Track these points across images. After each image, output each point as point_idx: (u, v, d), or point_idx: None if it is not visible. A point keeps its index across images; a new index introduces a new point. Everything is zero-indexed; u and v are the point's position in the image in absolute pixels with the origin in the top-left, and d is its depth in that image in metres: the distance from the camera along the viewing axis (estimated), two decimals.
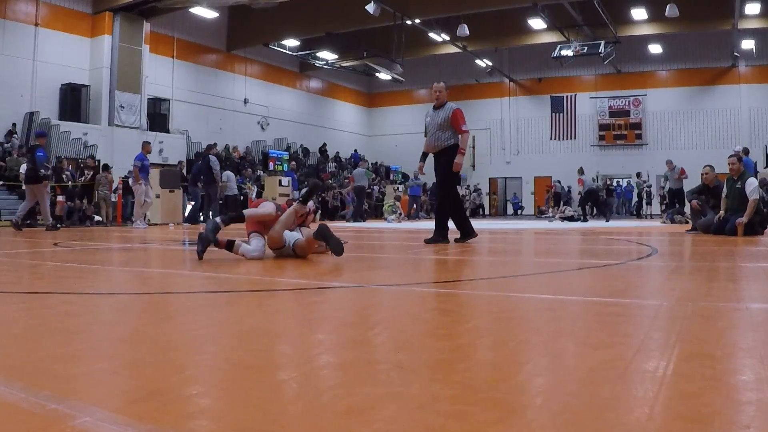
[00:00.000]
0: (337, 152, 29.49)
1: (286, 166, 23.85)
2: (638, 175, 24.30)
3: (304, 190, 4.79)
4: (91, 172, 15.06)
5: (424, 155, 6.63)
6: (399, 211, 18.05)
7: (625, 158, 27.52)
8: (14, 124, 16.44)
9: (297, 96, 28.07)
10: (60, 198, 13.73)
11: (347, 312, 2.40)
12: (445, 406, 1.13)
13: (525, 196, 29.75)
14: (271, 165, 23.61)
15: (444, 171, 6.23)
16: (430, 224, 14.78)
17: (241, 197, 18.35)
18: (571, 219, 17.17)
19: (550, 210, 21.65)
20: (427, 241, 6.31)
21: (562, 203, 22.50)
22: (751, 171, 11.64)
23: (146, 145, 13.15)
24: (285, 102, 27.06)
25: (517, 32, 24.29)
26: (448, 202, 6.41)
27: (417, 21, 21.76)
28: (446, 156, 6.21)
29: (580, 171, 17.19)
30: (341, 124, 31.15)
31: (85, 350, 1.65)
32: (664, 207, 17.74)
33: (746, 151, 14.29)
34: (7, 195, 14.72)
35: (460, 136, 6.21)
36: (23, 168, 13.19)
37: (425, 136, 6.44)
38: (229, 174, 16.69)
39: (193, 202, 15.34)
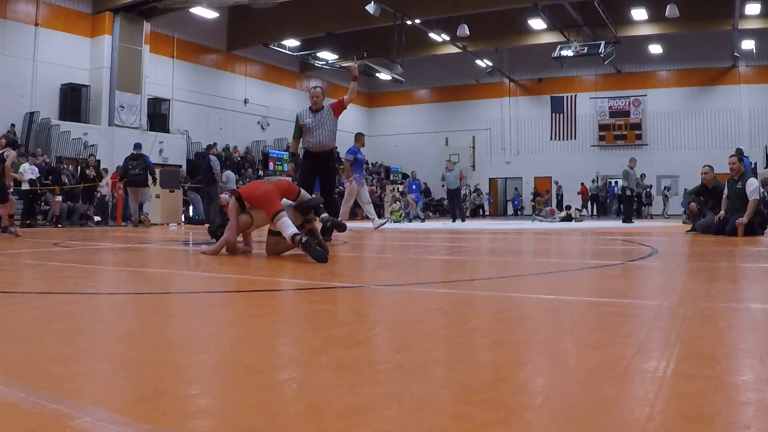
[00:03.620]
0: (338, 152, 29.49)
1: (285, 166, 23.86)
2: (642, 176, 24.32)
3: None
4: (93, 173, 15.05)
5: (294, 156, 7.06)
6: (404, 212, 18.02)
7: (626, 159, 27.28)
8: (13, 125, 16.42)
9: (297, 96, 28.04)
10: (57, 198, 13.73)
11: (347, 312, 2.40)
12: (445, 406, 1.13)
13: (525, 197, 29.74)
14: (271, 165, 23.63)
15: (333, 172, 6.65)
16: (430, 225, 14.78)
17: None
18: (568, 219, 17.15)
19: (547, 210, 21.63)
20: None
21: (545, 205, 22.51)
22: (750, 172, 11.63)
23: (360, 137, 11.43)
24: (285, 102, 27.05)
25: (517, 32, 24.27)
26: (332, 197, 6.72)
27: (417, 21, 21.75)
28: (333, 158, 6.64)
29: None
30: (341, 124, 30.35)
31: (85, 350, 1.65)
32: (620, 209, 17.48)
33: (740, 152, 14.23)
34: None
35: (349, 94, 6.75)
36: (23, 167, 13.20)
37: (294, 138, 6.72)
38: (229, 174, 16.69)
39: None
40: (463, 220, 16.48)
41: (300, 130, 6.59)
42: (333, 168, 6.63)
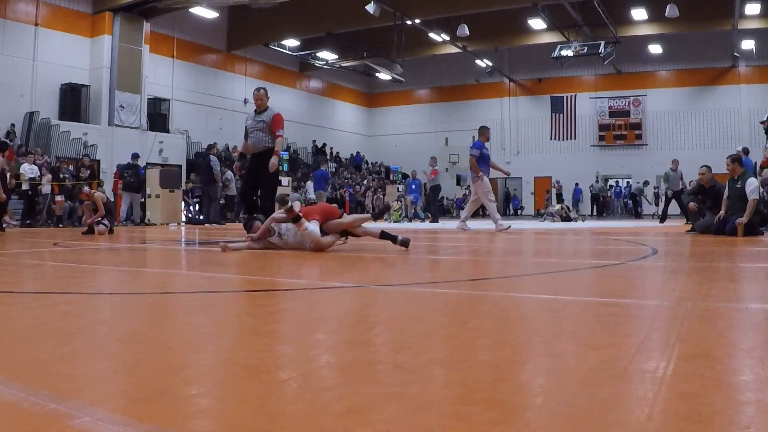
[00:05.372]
0: (338, 152, 29.49)
1: (286, 166, 23.86)
2: (645, 183, 24.34)
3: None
4: (88, 172, 15.04)
5: (243, 156, 7.18)
6: (403, 213, 18.03)
7: (625, 158, 27.50)
8: (13, 125, 16.42)
9: (297, 96, 28.06)
10: (59, 198, 13.74)
11: (347, 312, 2.40)
12: (445, 406, 1.13)
13: (525, 196, 29.72)
14: None
15: (269, 173, 6.65)
16: (430, 225, 14.77)
17: None
18: (567, 219, 17.13)
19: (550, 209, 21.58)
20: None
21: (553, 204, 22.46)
22: (750, 171, 11.61)
23: (484, 131, 10.42)
24: (285, 102, 27.03)
25: (517, 32, 24.28)
26: (270, 200, 6.76)
27: (417, 21, 21.75)
28: (269, 158, 6.63)
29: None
30: (341, 124, 31.14)
31: (85, 350, 1.65)
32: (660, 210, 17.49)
33: (746, 151, 14.19)
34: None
35: (276, 139, 6.68)
36: (23, 168, 13.21)
37: (245, 139, 6.84)
38: (229, 174, 16.69)
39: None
40: (436, 221, 16.15)
41: (246, 132, 6.82)
42: (267, 172, 6.65)
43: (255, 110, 6.77)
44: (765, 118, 9.46)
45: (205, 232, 10.35)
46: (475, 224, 10.60)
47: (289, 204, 5.61)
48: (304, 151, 27.71)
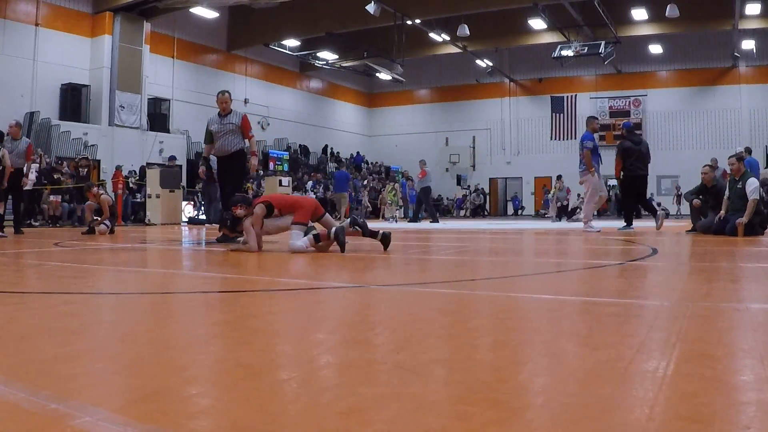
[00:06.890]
0: (338, 152, 29.49)
1: (286, 166, 23.87)
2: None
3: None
4: (86, 170, 15.00)
5: (206, 160, 7.44)
6: (399, 205, 18.05)
7: None
8: None
9: (297, 96, 28.06)
10: (55, 197, 13.73)
11: (347, 312, 2.40)
12: (445, 406, 1.13)
13: (525, 197, 29.72)
14: (271, 165, 23.63)
15: (237, 174, 6.81)
16: (430, 225, 14.77)
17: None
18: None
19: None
20: (219, 240, 6.69)
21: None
22: (754, 171, 11.60)
23: (591, 121, 9.80)
24: (285, 102, 27.06)
25: (517, 32, 24.28)
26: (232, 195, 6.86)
27: (417, 21, 21.76)
28: (239, 159, 6.77)
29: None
30: (341, 124, 31.14)
31: (85, 350, 1.65)
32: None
33: (749, 151, 14.14)
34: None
35: (247, 140, 6.81)
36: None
37: (206, 143, 6.92)
38: None
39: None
40: (416, 221, 16.14)
41: (210, 135, 6.82)
42: (237, 167, 6.78)
43: (219, 114, 6.81)
44: (621, 125, 9.49)
45: (205, 232, 10.36)
46: (576, 224, 10.31)
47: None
48: (304, 149, 27.71)
